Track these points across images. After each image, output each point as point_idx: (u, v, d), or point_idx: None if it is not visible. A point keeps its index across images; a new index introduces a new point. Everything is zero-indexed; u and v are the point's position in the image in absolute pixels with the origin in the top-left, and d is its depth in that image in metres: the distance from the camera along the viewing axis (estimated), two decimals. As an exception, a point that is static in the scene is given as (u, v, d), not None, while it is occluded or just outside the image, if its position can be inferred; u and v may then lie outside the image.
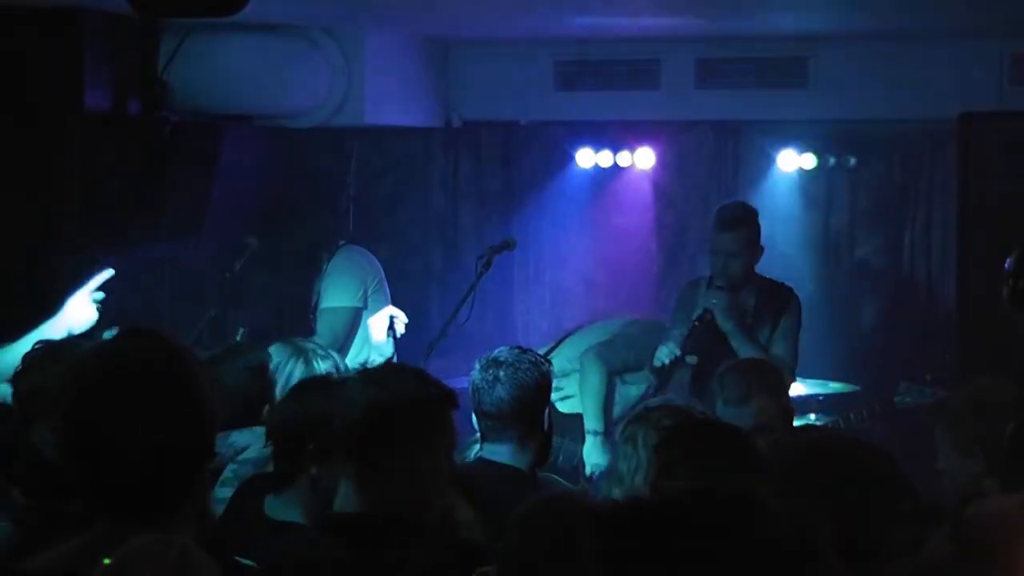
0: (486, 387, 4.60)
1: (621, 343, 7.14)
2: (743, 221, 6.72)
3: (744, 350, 6.50)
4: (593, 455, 6.89)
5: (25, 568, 2.55)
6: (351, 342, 7.03)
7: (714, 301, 6.55)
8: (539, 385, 4.61)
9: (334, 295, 7.04)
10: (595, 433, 6.96)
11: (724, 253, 6.67)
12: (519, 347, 4.75)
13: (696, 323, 6.52)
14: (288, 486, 3.88)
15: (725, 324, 6.51)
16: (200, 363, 2.67)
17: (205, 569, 2.29)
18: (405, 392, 3.39)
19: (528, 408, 4.56)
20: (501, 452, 4.56)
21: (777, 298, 6.74)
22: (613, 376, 7.08)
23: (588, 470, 6.83)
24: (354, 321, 7.03)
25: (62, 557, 2.51)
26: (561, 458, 6.89)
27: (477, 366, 4.68)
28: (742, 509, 2.01)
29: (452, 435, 3.44)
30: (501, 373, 4.59)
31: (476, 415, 4.66)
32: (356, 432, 3.33)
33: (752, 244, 6.70)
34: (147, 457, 2.51)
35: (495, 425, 4.58)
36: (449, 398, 3.43)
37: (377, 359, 6.88)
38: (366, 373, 3.50)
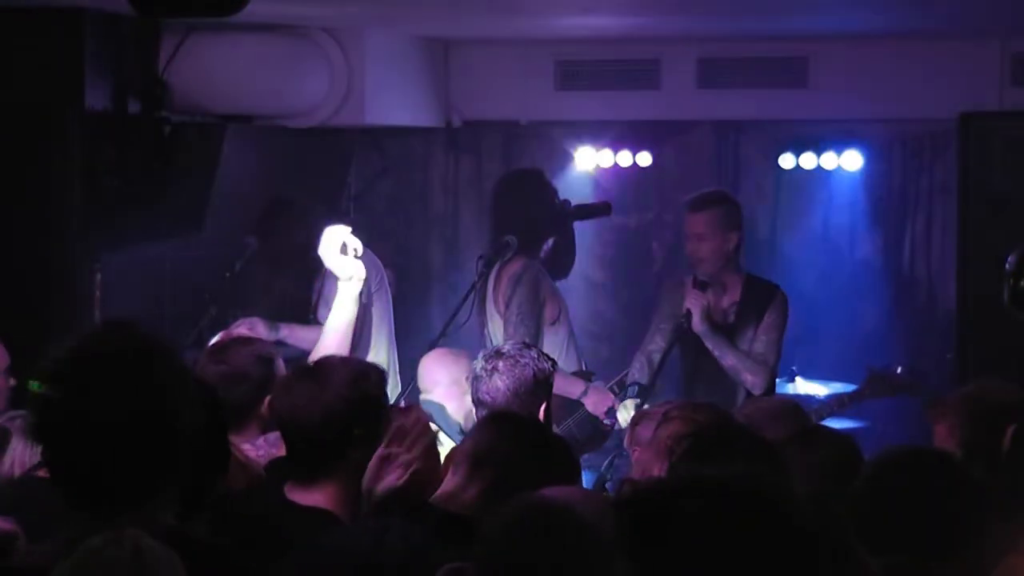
0: (484, 376, 4.69)
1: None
2: (712, 202, 6.63)
3: (722, 354, 6.47)
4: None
5: (9, 565, 2.56)
6: (365, 339, 7.04)
7: (682, 320, 6.47)
8: (537, 380, 4.65)
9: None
10: None
11: (693, 235, 6.60)
12: (524, 343, 4.81)
13: (677, 328, 6.48)
14: (324, 475, 3.76)
15: (700, 326, 6.45)
16: (177, 353, 2.68)
17: (163, 565, 2.28)
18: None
19: (524, 401, 4.60)
20: None
21: (761, 294, 6.68)
22: None
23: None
24: (364, 316, 7.03)
25: (43, 553, 2.52)
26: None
27: (480, 356, 4.78)
28: (764, 494, 1.99)
29: None
30: (501, 364, 4.67)
31: (473, 404, 4.76)
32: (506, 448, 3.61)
33: (723, 226, 6.56)
34: (127, 446, 2.52)
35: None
36: None
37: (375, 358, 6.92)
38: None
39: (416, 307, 8.77)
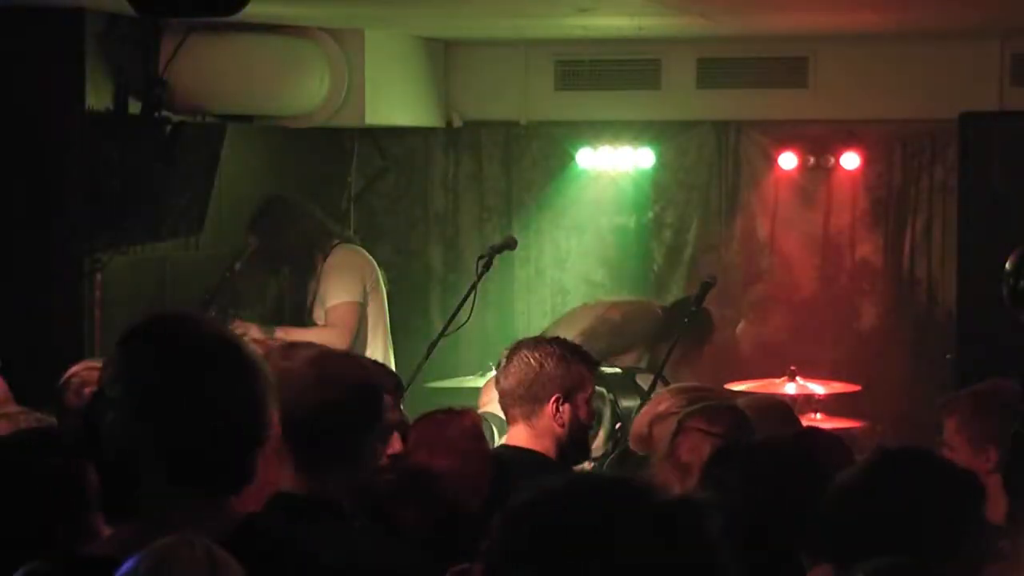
0: (504, 363, 4.62)
1: (604, 330, 7.12)
2: None
3: None
4: None
5: (83, 554, 2.55)
6: (361, 338, 7.06)
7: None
8: (553, 366, 4.55)
9: (338, 292, 7.06)
10: None
11: None
12: (556, 337, 4.77)
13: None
14: None
15: None
16: (250, 345, 2.66)
17: (233, 569, 2.28)
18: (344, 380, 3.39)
19: (534, 387, 4.53)
20: (516, 434, 4.56)
21: None
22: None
23: None
24: (360, 316, 7.06)
25: (112, 543, 2.50)
26: None
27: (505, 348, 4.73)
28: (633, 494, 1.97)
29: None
30: (522, 351, 4.61)
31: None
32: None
33: None
34: (207, 440, 2.50)
35: (503, 402, 4.60)
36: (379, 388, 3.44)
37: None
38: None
39: (416, 307, 8.77)
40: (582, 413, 4.58)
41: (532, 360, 4.57)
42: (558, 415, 4.54)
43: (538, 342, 4.71)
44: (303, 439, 3.18)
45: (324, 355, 3.37)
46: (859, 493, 3.13)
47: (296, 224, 7.13)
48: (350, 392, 3.28)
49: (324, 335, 6.84)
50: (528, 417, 4.54)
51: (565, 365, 4.59)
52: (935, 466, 3.22)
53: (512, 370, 4.59)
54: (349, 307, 7.03)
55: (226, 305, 7.02)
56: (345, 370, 3.35)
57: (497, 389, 4.67)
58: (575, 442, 4.57)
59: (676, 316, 7.07)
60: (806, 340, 8.33)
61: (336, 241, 7.25)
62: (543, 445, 4.51)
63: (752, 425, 4.27)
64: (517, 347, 4.67)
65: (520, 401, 4.55)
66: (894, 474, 3.16)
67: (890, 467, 3.19)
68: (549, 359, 4.58)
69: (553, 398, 4.54)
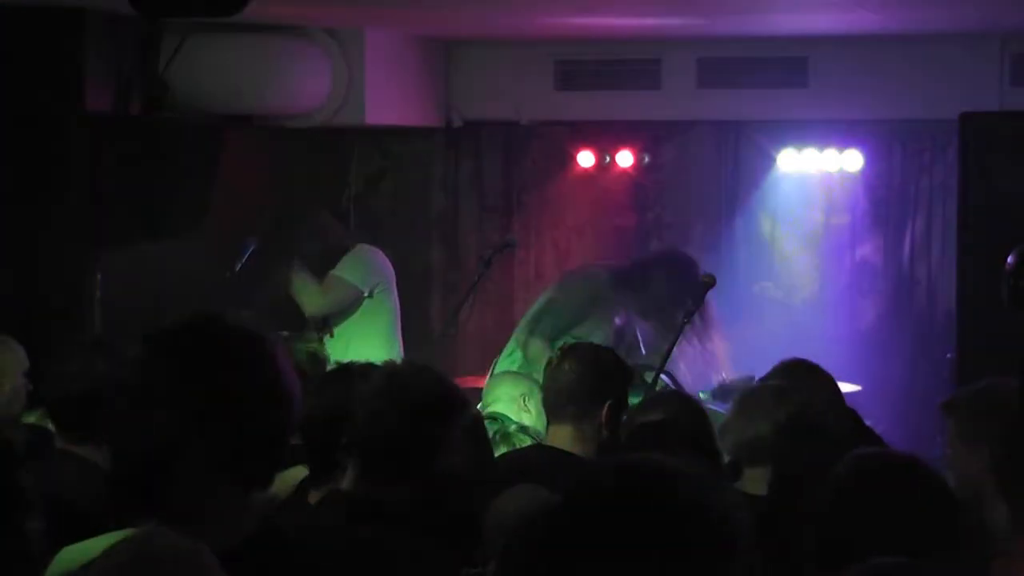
0: (557, 362, 4.55)
1: (553, 311, 7.06)
2: None
3: None
4: None
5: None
6: (342, 320, 7.12)
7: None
8: (612, 371, 4.53)
9: (343, 270, 7.13)
10: None
11: None
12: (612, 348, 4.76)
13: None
14: (327, 480, 3.70)
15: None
16: (277, 343, 2.66)
17: (206, 564, 2.28)
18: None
19: (589, 386, 4.46)
20: (560, 435, 4.48)
21: None
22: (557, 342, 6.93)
23: None
24: (354, 302, 7.10)
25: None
26: None
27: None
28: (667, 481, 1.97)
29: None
30: (582, 351, 4.58)
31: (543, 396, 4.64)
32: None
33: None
34: (247, 436, 2.51)
35: (553, 401, 4.52)
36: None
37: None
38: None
39: (416, 307, 8.78)
40: (618, 423, 4.52)
41: (595, 362, 4.51)
42: (609, 421, 4.47)
43: (598, 348, 4.69)
44: (377, 450, 3.24)
45: (400, 370, 3.41)
46: (834, 500, 3.14)
47: (302, 224, 7.22)
48: (428, 407, 3.30)
49: (310, 291, 6.96)
50: (579, 418, 4.44)
51: (623, 374, 4.57)
52: (905, 473, 3.21)
53: (569, 368, 4.50)
54: (344, 285, 7.10)
55: (226, 305, 7.03)
56: (423, 384, 3.37)
57: (547, 386, 4.59)
58: (611, 450, 4.44)
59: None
60: (806, 340, 8.34)
61: (349, 243, 7.36)
62: (585, 449, 4.41)
63: (704, 412, 4.29)
64: (575, 347, 4.65)
65: (574, 401, 4.46)
66: (861, 482, 3.17)
67: (857, 476, 3.20)
68: (610, 364, 4.54)
69: (608, 403, 4.47)
